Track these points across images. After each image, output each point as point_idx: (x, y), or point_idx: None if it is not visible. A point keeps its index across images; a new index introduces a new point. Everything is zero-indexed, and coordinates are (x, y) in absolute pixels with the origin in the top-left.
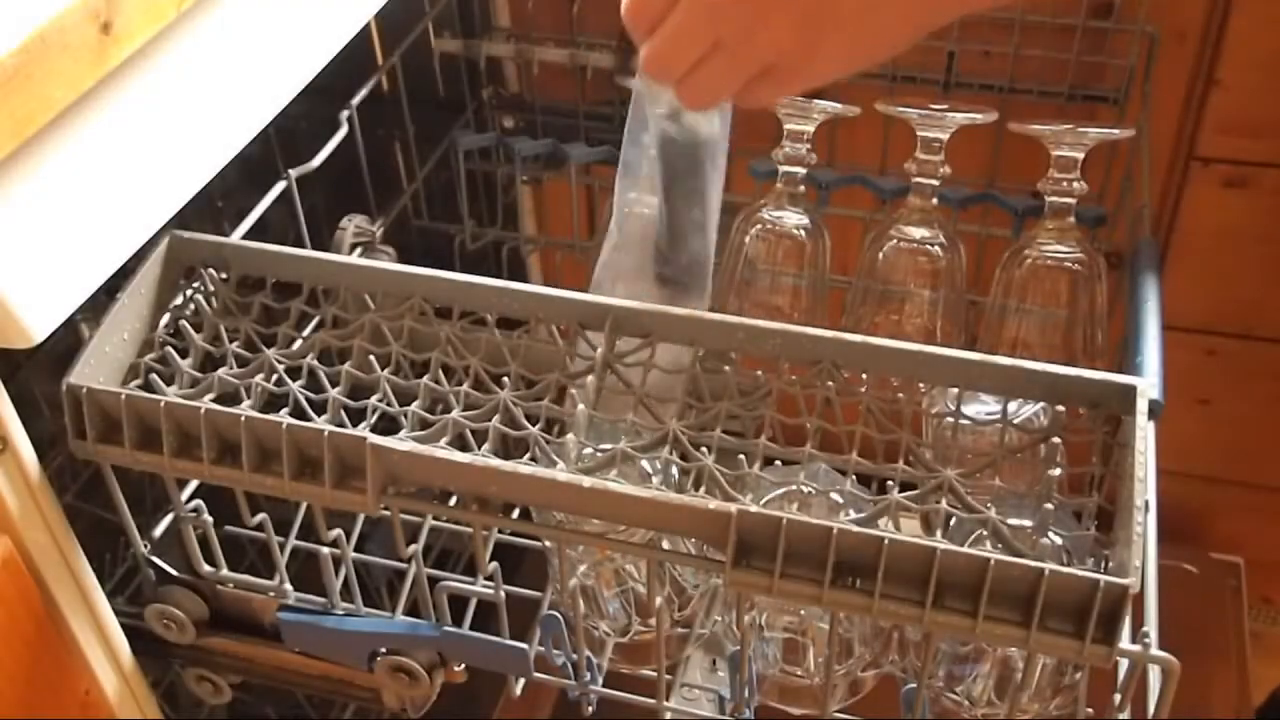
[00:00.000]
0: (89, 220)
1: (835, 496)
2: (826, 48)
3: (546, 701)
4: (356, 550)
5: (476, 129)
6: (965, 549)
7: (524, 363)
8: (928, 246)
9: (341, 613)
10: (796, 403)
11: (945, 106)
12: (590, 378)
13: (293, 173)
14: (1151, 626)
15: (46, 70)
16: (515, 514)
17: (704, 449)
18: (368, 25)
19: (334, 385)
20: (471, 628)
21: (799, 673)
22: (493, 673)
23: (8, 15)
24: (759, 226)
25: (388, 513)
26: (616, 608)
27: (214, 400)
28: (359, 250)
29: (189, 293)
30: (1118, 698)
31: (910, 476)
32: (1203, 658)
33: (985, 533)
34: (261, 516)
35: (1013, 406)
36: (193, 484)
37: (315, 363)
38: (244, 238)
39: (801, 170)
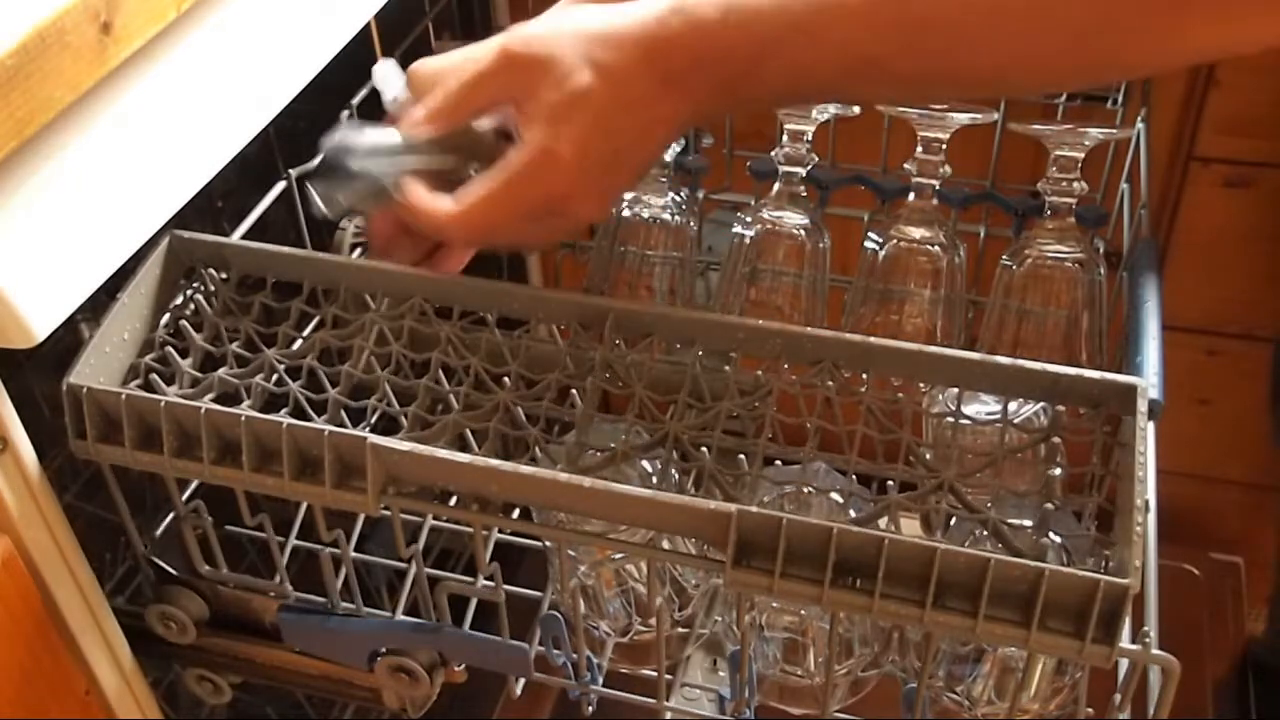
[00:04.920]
0: (89, 220)
1: (835, 496)
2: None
3: (546, 701)
4: (356, 550)
5: None
6: (965, 549)
7: (524, 363)
8: (928, 246)
9: (342, 613)
10: (796, 403)
11: (945, 106)
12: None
13: (293, 173)
14: (1151, 626)
15: (46, 70)
16: (515, 514)
17: (704, 449)
18: (368, 25)
19: (334, 385)
20: (471, 628)
21: (799, 673)
22: (493, 673)
23: (7, 15)
24: (759, 226)
25: (388, 513)
26: (616, 608)
27: (214, 400)
28: (359, 250)
29: (189, 293)
30: (1118, 698)
31: (910, 476)
32: (1202, 658)
33: (985, 533)
34: (261, 516)
35: (1013, 406)
36: (193, 484)
37: (315, 363)
38: (244, 238)
39: (801, 170)
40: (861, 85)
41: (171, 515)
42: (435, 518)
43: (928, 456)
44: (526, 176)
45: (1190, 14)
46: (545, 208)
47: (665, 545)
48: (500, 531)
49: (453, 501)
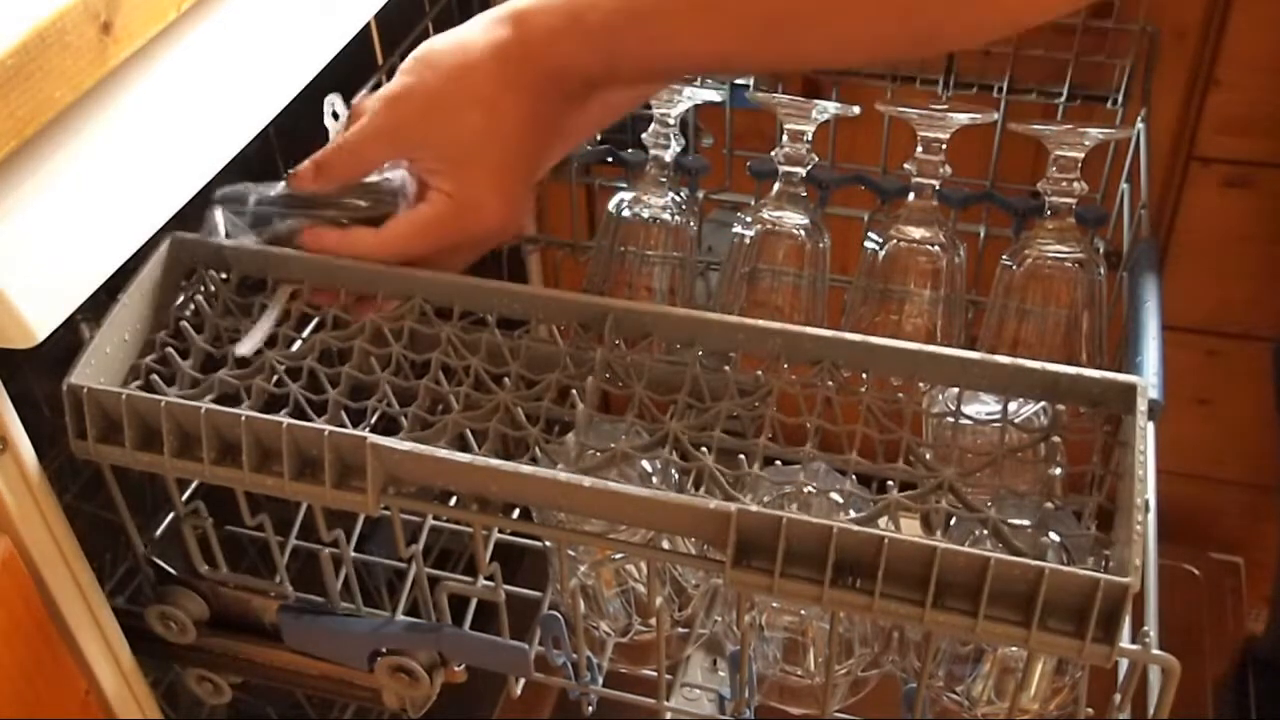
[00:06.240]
0: (89, 220)
1: (835, 496)
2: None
3: (546, 701)
4: (356, 550)
5: None
6: (965, 549)
7: (524, 363)
8: (928, 246)
9: (342, 613)
10: (796, 403)
11: (945, 107)
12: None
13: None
14: (1151, 626)
15: (46, 70)
16: (515, 514)
17: (704, 449)
18: (368, 25)
19: (334, 386)
20: (471, 628)
21: (799, 673)
22: (493, 673)
23: (7, 15)
24: (759, 226)
25: (388, 513)
26: (616, 608)
27: (214, 401)
28: None
29: (189, 293)
30: (1118, 698)
31: (910, 476)
32: (1203, 658)
33: (985, 532)
34: (261, 516)
35: (1013, 406)
36: (193, 484)
37: (315, 364)
38: None
39: (801, 170)
40: (714, 74)
41: (171, 515)
42: (435, 518)
43: (928, 456)
44: (449, 224)
45: None
46: (467, 245)
47: (665, 545)
48: (500, 531)
49: (453, 501)
